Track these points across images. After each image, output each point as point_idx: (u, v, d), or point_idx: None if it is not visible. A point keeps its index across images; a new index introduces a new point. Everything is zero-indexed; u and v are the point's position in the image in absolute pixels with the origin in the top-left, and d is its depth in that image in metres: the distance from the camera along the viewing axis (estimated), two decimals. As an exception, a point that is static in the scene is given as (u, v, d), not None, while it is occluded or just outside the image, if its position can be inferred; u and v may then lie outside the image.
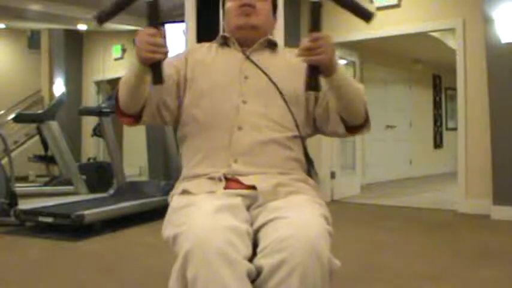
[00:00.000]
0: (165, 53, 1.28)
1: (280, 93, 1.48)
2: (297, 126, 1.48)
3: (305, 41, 1.25)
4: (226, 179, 1.39)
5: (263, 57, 1.55)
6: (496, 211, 4.52)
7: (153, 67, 1.28)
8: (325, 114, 1.49)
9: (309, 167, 1.52)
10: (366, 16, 1.29)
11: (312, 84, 1.28)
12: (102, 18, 1.31)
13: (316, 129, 1.55)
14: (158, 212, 4.42)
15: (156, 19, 1.29)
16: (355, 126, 1.48)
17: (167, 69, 1.49)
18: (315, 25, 1.26)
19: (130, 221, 4.35)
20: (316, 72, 1.28)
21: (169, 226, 1.32)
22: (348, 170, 6.66)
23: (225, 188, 1.36)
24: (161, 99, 1.47)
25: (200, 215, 1.21)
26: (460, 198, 5.07)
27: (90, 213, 3.97)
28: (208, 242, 1.12)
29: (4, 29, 9.35)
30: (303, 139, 1.51)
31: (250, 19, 1.52)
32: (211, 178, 1.40)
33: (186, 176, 1.49)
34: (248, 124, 1.44)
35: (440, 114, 10.00)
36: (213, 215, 1.19)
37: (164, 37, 1.29)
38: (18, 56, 10.09)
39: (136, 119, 1.48)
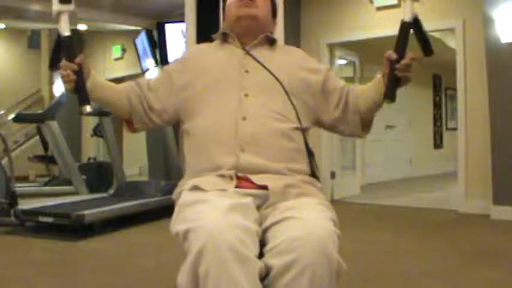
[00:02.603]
0: (73, 81, 1.44)
1: (281, 85, 1.51)
2: (298, 117, 1.51)
3: (394, 55, 1.37)
4: (238, 177, 1.40)
5: (262, 52, 1.58)
6: (496, 211, 4.52)
7: (75, 92, 1.47)
8: (345, 116, 1.58)
9: (311, 159, 1.55)
10: (428, 52, 1.43)
11: (391, 94, 1.41)
12: (52, 67, 1.54)
13: (328, 127, 1.65)
14: (158, 212, 4.44)
15: (69, 52, 1.47)
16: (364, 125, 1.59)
17: (159, 74, 1.68)
18: (406, 44, 1.39)
19: (130, 221, 4.34)
20: (397, 85, 1.40)
21: (179, 221, 1.32)
22: (348, 170, 6.66)
23: (236, 186, 1.37)
24: (148, 103, 1.60)
25: (213, 212, 1.21)
26: (460, 198, 5.07)
27: (90, 213, 3.97)
28: (221, 240, 1.13)
29: (4, 29, 9.34)
30: (303, 131, 1.53)
31: (250, 10, 1.56)
32: (222, 176, 1.41)
33: (194, 171, 1.49)
34: (252, 115, 1.46)
35: (440, 114, 10.00)
36: (225, 214, 1.20)
37: (78, 65, 1.45)
38: (18, 56, 10.09)
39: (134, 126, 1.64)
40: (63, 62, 1.45)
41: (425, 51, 1.42)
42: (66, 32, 1.49)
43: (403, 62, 1.36)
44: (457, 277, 2.79)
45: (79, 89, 1.47)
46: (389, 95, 1.41)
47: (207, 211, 1.23)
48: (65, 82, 1.47)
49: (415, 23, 1.39)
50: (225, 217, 1.19)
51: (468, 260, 3.16)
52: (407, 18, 1.38)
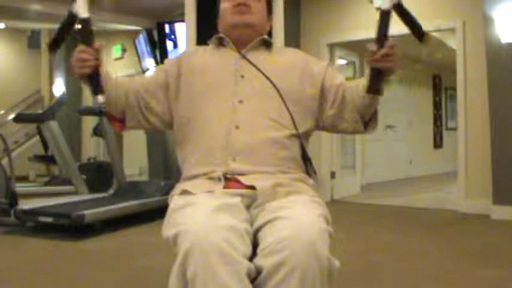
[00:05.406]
0: (91, 66, 1.36)
1: (277, 90, 1.48)
2: (294, 124, 1.48)
3: (373, 46, 1.31)
4: (226, 178, 1.39)
5: (259, 56, 1.55)
6: (496, 211, 4.52)
7: (88, 80, 1.38)
8: (342, 113, 1.51)
9: (307, 165, 1.52)
10: (421, 37, 1.35)
11: (376, 87, 1.34)
12: (54, 48, 1.44)
13: (329, 128, 1.57)
14: (158, 212, 4.43)
15: (87, 36, 1.38)
16: (366, 121, 1.52)
17: (155, 74, 1.59)
18: (386, 33, 1.33)
19: (130, 221, 4.35)
20: (381, 77, 1.34)
21: (169, 226, 1.32)
22: (348, 170, 6.66)
23: (225, 187, 1.36)
24: (145, 103, 1.53)
25: (199, 214, 1.21)
26: (460, 198, 5.07)
27: (90, 213, 3.96)
28: (207, 241, 1.12)
29: (4, 29, 9.34)
30: (300, 137, 1.50)
31: (245, 17, 1.53)
32: (211, 178, 1.40)
33: (185, 177, 1.49)
34: (245, 123, 1.44)
35: (440, 114, 10.00)
36: (212, 214, 1.19)
37: (96, 50, 1.36)
38: (18, 56, 10.08)
39: (123, 123, 1.56)
40: (81, 46, 1.36)
41: (418, 37, 1.35)
42: (84, 14, 1.38)
43: (381, 52, 1.31)
44: (457, 277, 2.79)
45: (93, 77, 1.37)
46: (372, 88, 1.34)
47: (193, 213, 1.23)
48: (79, 68, 1.36)
49: (398, 9, 1.32)
50: (211, 218, 1.18)
51: (468, 259, 3.16)
52: (385, 6, 1.31)
